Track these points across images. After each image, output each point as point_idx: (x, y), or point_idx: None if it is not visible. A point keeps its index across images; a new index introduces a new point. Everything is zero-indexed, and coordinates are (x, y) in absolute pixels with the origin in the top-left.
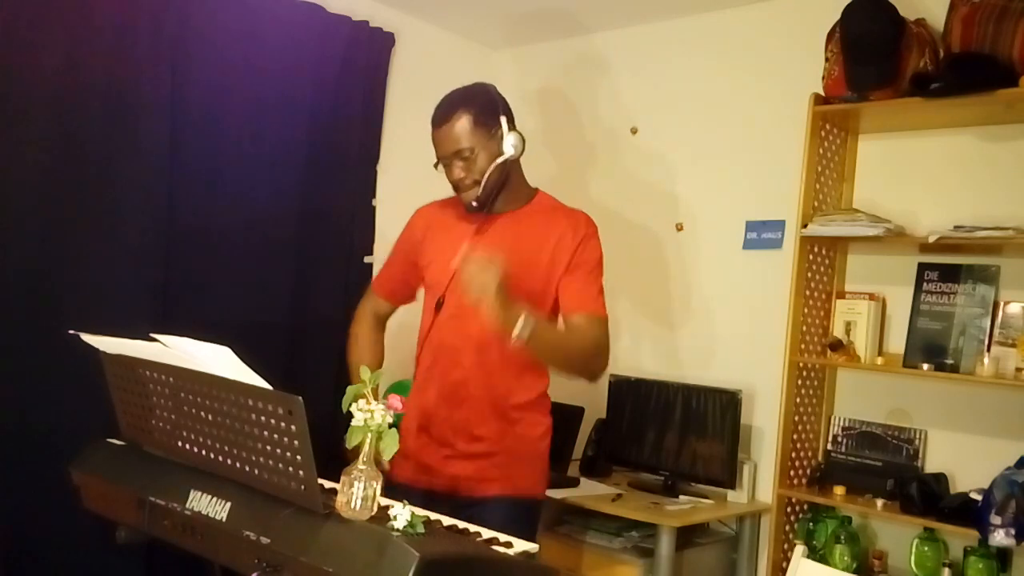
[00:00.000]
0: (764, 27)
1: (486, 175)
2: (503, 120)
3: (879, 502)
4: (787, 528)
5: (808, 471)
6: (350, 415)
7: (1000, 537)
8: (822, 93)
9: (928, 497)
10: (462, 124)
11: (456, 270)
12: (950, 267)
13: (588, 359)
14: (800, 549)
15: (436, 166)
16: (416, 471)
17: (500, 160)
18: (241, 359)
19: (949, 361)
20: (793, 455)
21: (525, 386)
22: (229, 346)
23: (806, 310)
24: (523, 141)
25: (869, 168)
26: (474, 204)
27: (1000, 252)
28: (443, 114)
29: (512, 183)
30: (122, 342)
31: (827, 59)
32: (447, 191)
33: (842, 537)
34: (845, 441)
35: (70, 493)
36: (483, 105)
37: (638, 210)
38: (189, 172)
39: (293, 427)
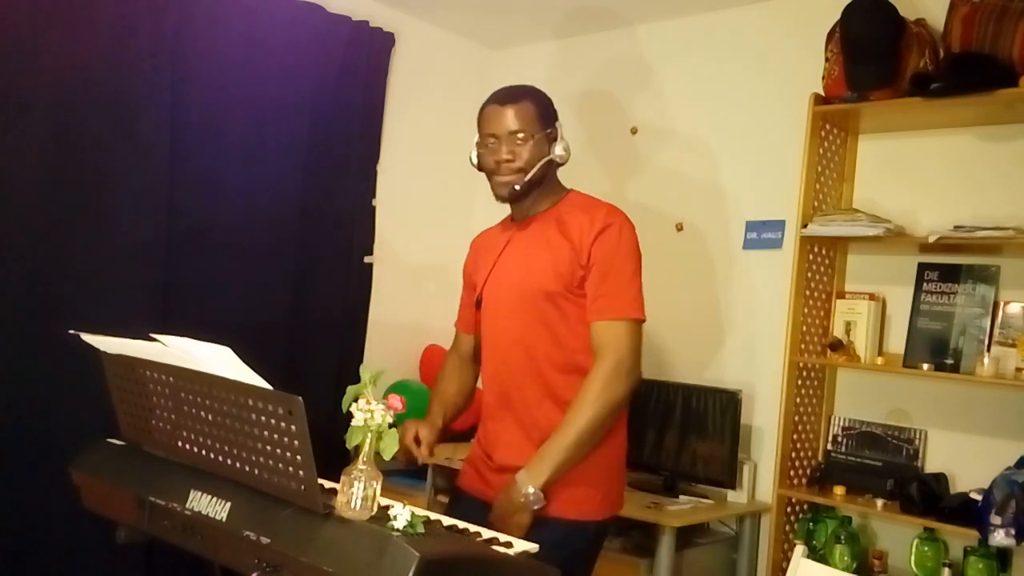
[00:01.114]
0: (764, 27)
1: (535, 169)
2: (558, 125)
3: (879, 502)
4: (787, 528)
5: (808, 471)
6: (350, 415)
7: (1000, 537)
8: (822, 93)
9: (928, 497)
10: (528, 108)
11: (490, 272)
12: (950, 267)
13: (603, 412)
14: (800, 549)
15: (478, 145)
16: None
17: (548, 158)
18: (241, 359)
19: (949, 361)
20: (793, 455)
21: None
22: (229, 346)
23: (806, 310)
24: (569, 153)
25: (869, 168)
26: (516, 189)
27: (1000, 252)
28: (510, 93)
29: (546, 188)
30: (122, 342)
31: (827, 59)
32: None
33: (842, 537)
34: (845, 441)
35: (70, 493)
36: (548, 103)
37: (638, 210)
38: (189, 172)
39: (293, 427)
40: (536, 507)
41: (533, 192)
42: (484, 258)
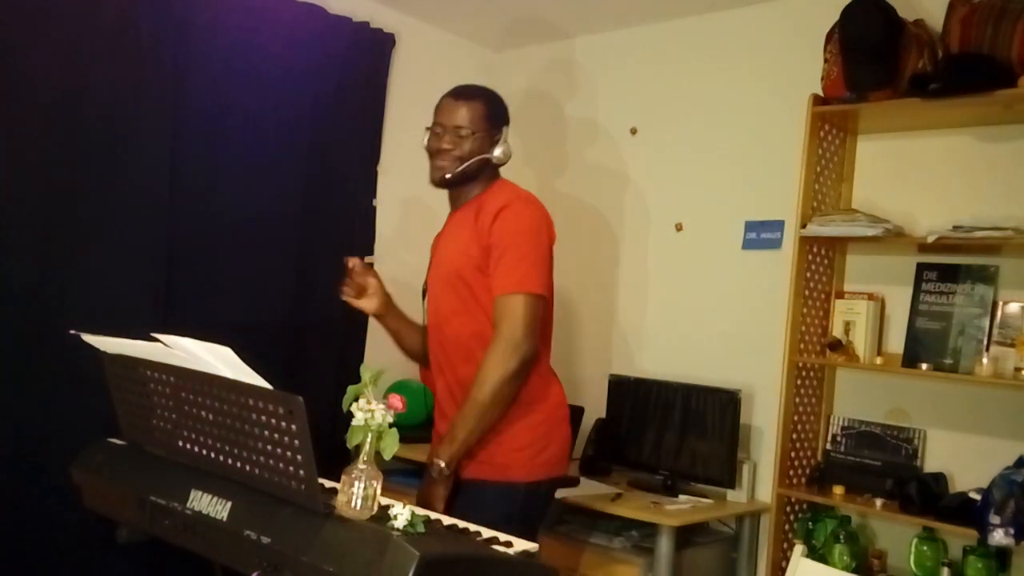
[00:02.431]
0: (764, 27)
1: (469, 162)
2: (505, 130)
3: (878, 502)
4: (786, 527)
5: (807, 471)
6: (351, 415)
7: (999, 536)
8: (821, 94)
9: (927, 497)
10: (477, 107)
11: (430, 263)
12: (949, 267)
13: (501, 387)
14: (799, 548)
15: (427, 130)
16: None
17: (484, 156)
18: (242, 359)
19: (948, 361)
20: (792, 455)
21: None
22: (230, 346)
23: (805, 310)
24: (510, 155)
25: (868, 168)
26: (447, 177)
27: (999, 252)
28: (465, 91)
29: (478, 183)
30: (123, 342)
31: (826, 60)
32: (447, 191)
33: (841, 536)
34: (844, 441)
35: (71, 492)
36: (498, 107)
37: (638, 210)
38: (190, 173)
39: (293, 427)
40: (448, 478)
41: (466, 185)
42: (433, 253)
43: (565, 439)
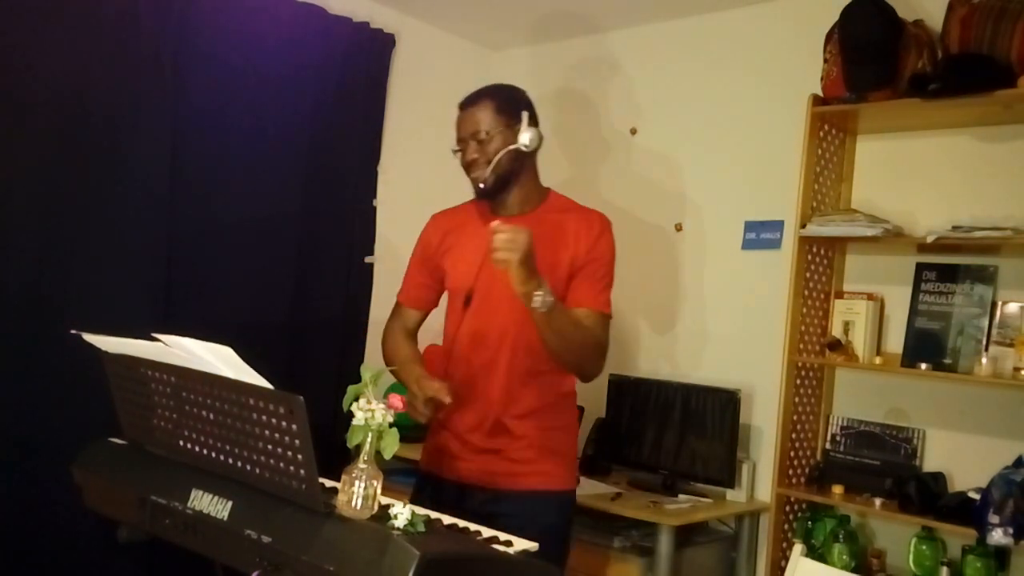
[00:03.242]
0: (763, 28)
1: (497, 157)
2: (524, 115)
3: (877, 501)
4: (786, 527)
5: (807, 470)
6: (351, 414)
7: (998, 536)
8: (821, 94)
9: (926, 496)
10: (486, 108)
11: (481, 265)
12: (948, 267)
13: (589, 355)
14: (799, 548)
15: (455, 152)
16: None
17: (512, 147)
18: (242, 358)
19: (947, 361)
20: (792, 454)
21: (549, 384)
22: (230, 345)
23: (805, 310)
24: (540, 139)
25: (867, 168)
26: (481, 186)
27: (998, 252)
28: (469, 98)
29: (524, 181)
30: (123, 342)
31: (826, 60)
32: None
33: (840, 536)
34: (844, 440)
35: (71, 492)
36: (507, 98)
37: (638, 210)
38: (190, 173)
39: (294, 426)
40: (535, 303)
41: (509, 185)
42: (459, 247)
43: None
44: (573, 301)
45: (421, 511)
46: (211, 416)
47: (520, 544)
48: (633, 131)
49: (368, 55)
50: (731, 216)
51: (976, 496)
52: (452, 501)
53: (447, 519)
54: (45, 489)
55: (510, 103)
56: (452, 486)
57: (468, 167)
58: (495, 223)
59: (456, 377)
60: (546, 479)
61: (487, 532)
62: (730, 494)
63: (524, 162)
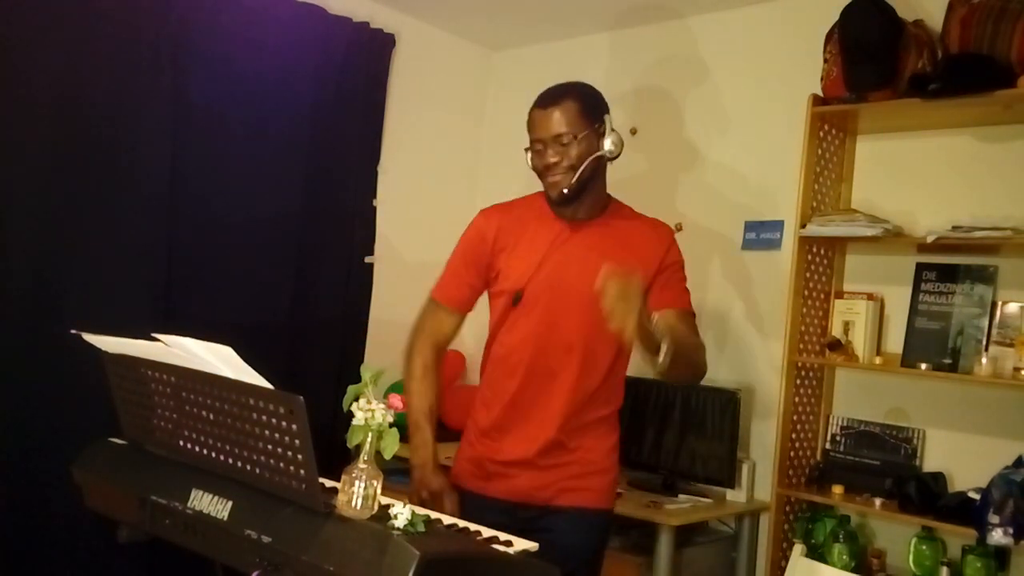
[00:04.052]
0: (763, 28)
1: (584, 165)
2: (607, 119)
3: (877, 501)
4: (786, 527)
5: (807, 470)
6: (351, 414)
7: (998, 536)
8: (821, 94)
9: (926, 496)
10: (569, 109)
11: (538, 268)
12: (948, 267)
13: (702, 360)
14: (799, 548)
15: (526, 151)
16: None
17: (597, 154)
18: (242, 358)
19: (947, 361)
20: (792, 454)
21: (604, 399)
22: (230, 345)
23: (805, 310)
24: (622, 144)
25: (867, 168)
26: (565, 192)
27: (998, 252)
28: (552, 96)
29: (597, 187)
30: (124, 342)
31: (826, 60)
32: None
33: (840, 536)
34: (843, 440)
35: (72, 492)
36: (592, 97)
37: (637, 210)
38: (191, 173)
39: (294, 426)
40: (663, 352)
41: (587, 191)
42: (517, 246)
43: None
44: (665, 301)
45: (421, 511)
46: (211, 416)
47: (520, 544)
48: (633, 131)
49: (368, 55)
50: (731, 216)
51: (976, 496)
52: (496, 521)
53: (447, 519)
54: (45, 489)
55: (594, 105)
56: (497, 504)
57: (547, 170)
58: (605, 269)
59: (507, 385)
60: (594, 496)
61: (487, 532)
62: (730, 494)
63: (601, 169)
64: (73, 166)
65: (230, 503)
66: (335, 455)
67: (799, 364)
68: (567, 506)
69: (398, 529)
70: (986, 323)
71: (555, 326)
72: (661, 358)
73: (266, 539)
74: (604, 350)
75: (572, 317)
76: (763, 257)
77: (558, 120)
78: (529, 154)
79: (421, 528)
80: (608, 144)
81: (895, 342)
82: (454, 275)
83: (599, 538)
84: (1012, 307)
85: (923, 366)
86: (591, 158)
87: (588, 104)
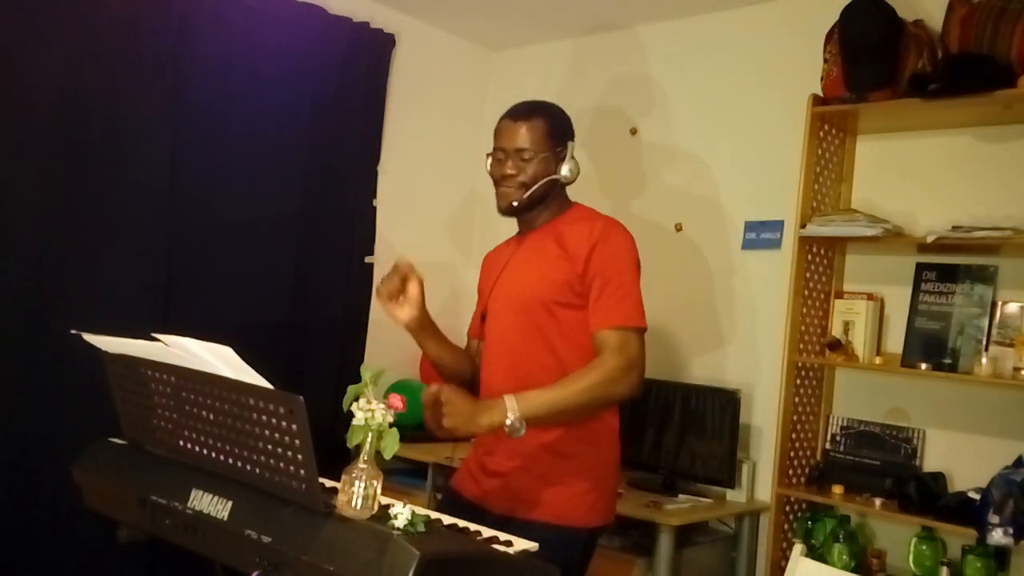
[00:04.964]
0: (764, 27)
1: (536, 185)
2: (570, 145)
3: (877, 501)
4: (786, 527)
5: (807, 470)
6: (351, 414)
7: (998, 536)
8: (821, 94)
9: (926, 496)
10: (537, 127)
11: (495, 284)
12: (948, 267)
13: (598, 392)
14: (799, 548)
15: (488, 156)
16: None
17: (552, 177)
18: (242, 358)
19: (947, 361)
20: (792, 454)
21: None
22: (230, 345)
23: (805, 310)
24: (578, 172)
25: (867, 168)
26: (514, 205)
27: (998, 252)
28: (523, 110)
29: (551, 204)
30: (123, 342)
31: (825, 60)
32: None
33: (840, 536)
34: (843, 440)
35: (71, 492)
36: (561, 120)
37: (637, 210)
38: (191, 173)
39: (294, 426)
40: (508, 432)
41: (535, 208)
42: (492, 271)
43: (617, 483)
44: (591, 324)
45: (421, 511)
46: (211, 416)
47: (520, 544)
48: (633, 131)
49: (368, 55)
50: (731, 216)
51: (976, 496)
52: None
53: (447, 519)
54: (45, 489)
55: (560, 129)
56: (468, 505)
57: (502, 179)
58: (431, 391)
59: (483, 394)
60: (548, 511)
61: (487, 532)
62: (730, 494)
63: (554, 189)
64: (73, 166)
65: (230, 503)
66: (335, 455)
67: (799, 364)
68: (523, 519)
69: (398, 529)
70: (986, 323)
71: (494, 335)
72: (508, 430)
73: (266, 539)
74: (539, 349)
75: (505, 322)
76: (763, 257)
77: (523, 135)
78: (489, 160)
79: (421, 528)
80: (565, 170)
81: (895, 342)
82: (475, 313)
83: (553, 558)
84: (1012, 307)
85: (923, 366)
86: (545, 180)
87: (555, 127)
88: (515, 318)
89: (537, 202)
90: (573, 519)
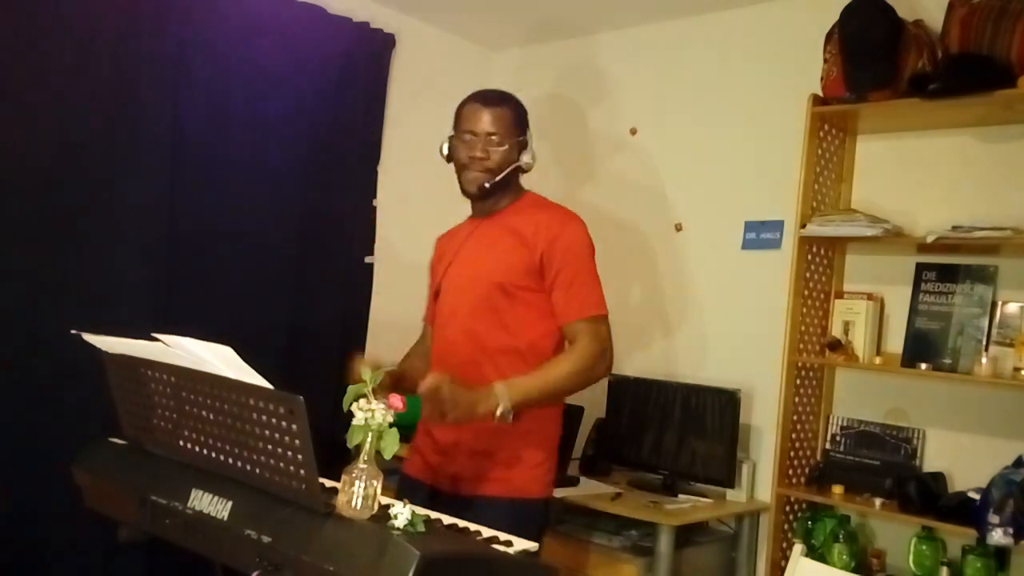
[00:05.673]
0: (764, 27)
1: (503, 172)
2: (530, 134)
3: (877, 501)
4: (786, 527)
5: (807, 470)
6: (351, 414)
7: (998, 536)
8: (821, 94)
9: (926, 496)
10: (506, 114)
11: (449, 265)
12: (948, 267)
13: (581, 377)
14: (799, 548)
15: (451, 138)
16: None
17: (516, 164)
18: (242, 358)
19: (947, 361)
20: (792, 454)
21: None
22: (230, 345)
23: (805, 310)
24: (534, 161)
25: (867, 168)
26: (486, 186)
27: (998, 252)
28: (494, 96)
29: (510, 190)
30: (123, 342)
31: (825, 60)
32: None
33: (840, 536)
34: (843, 440)
35: (71, 492)
36: (524, 113)
37: (638, 210)
38: (191, 173)
39: (294, 426)
40: (498, 419)
41: (497, 193)
42: (446, 254)
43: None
44: (558, 316)
45: (421, 511)
46: (211, 416)
47: (520, 544)
48: (633, 131)
49: (368, 55)
50: (731, 216)
51: (976, 496)
52: (423, 503)
53: (447, 519)
54: (45, 489)
55: (523, 119)
56: (429, 489)
57: (472, 161)
58: (430, 384)
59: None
60: (510, 486)
61: (487, 532)
62: (730, 494)
63: (516, 176)
64: (74, 167)
65: (230, 503)
66: (335, 455)
67: (799, 364)
68: (476, 495)
69: (398, 529)
70: (986, 323)
71: (452, 315)
72: (498, 416)
73: (266, 539)
74: (491, 326)
75: (464, 300)
76: (763, 257)
77: (496, 120)
78: (450, 143)
79: (421, 528)
80: (526, 158)
81: (895, 342)
82: (428, 300)
83: (524, 529)
84: (1012, 307)
85: (923, 366)
86: (511, 167)
87: (520, 115)
88: (469, 297)
89: (501, 187)
90: (533, 491)
